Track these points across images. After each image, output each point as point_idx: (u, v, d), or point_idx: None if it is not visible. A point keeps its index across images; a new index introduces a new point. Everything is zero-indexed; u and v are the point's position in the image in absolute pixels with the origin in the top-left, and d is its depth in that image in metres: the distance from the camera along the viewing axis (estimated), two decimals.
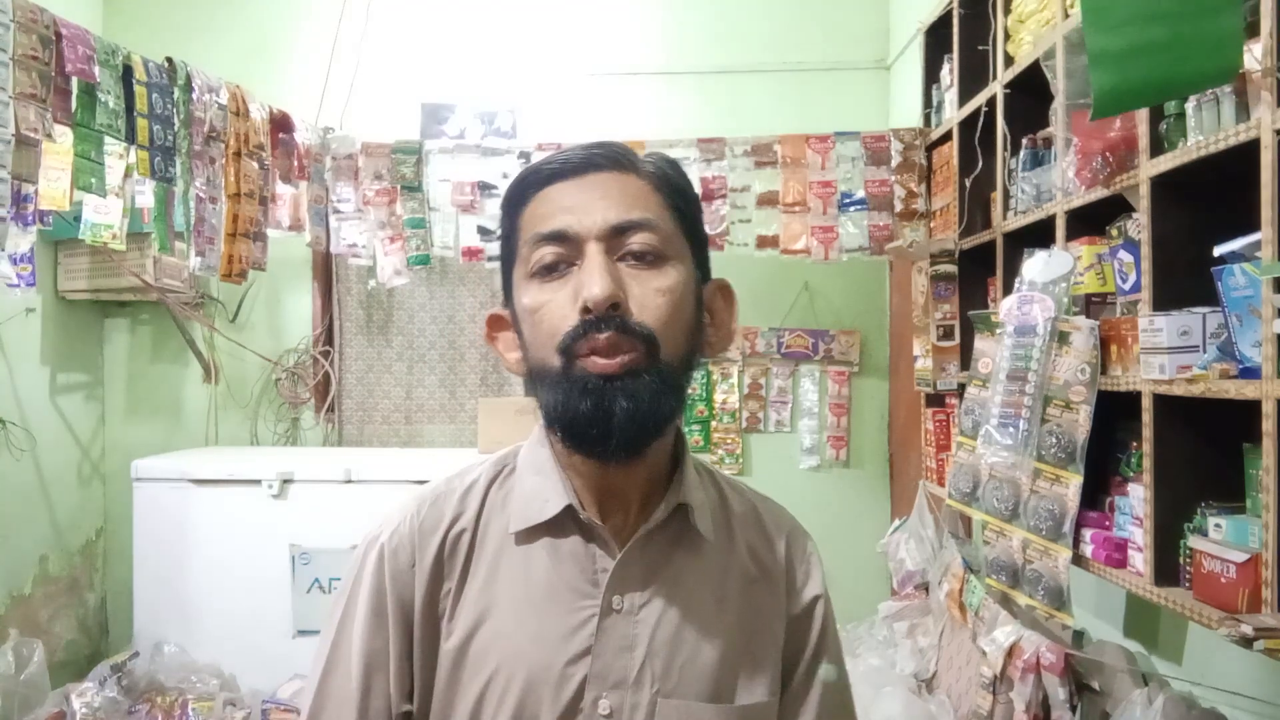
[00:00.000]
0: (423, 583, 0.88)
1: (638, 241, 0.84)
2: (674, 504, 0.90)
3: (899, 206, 3.23)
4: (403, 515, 0.92)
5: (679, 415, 0.88)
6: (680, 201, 0.89)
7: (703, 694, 0.87)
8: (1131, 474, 1.82)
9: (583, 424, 0.81)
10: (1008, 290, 2.20)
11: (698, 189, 3.22)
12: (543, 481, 0.90)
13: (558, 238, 0.84)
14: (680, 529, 0.91)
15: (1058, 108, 2.04)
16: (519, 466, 0.94)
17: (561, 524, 0.89)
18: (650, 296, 0.83)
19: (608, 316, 0.80)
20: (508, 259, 0.91)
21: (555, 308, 0.83)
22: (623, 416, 0.80)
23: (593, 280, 0.81)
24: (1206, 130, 1.54)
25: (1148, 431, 1.67)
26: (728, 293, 0.95)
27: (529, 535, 0.89)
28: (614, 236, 0.83)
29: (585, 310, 0.80)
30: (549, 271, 0.84)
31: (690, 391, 0.91)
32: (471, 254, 3.45)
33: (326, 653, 0.90)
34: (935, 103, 3.11)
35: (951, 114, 2.83)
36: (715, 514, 0.95)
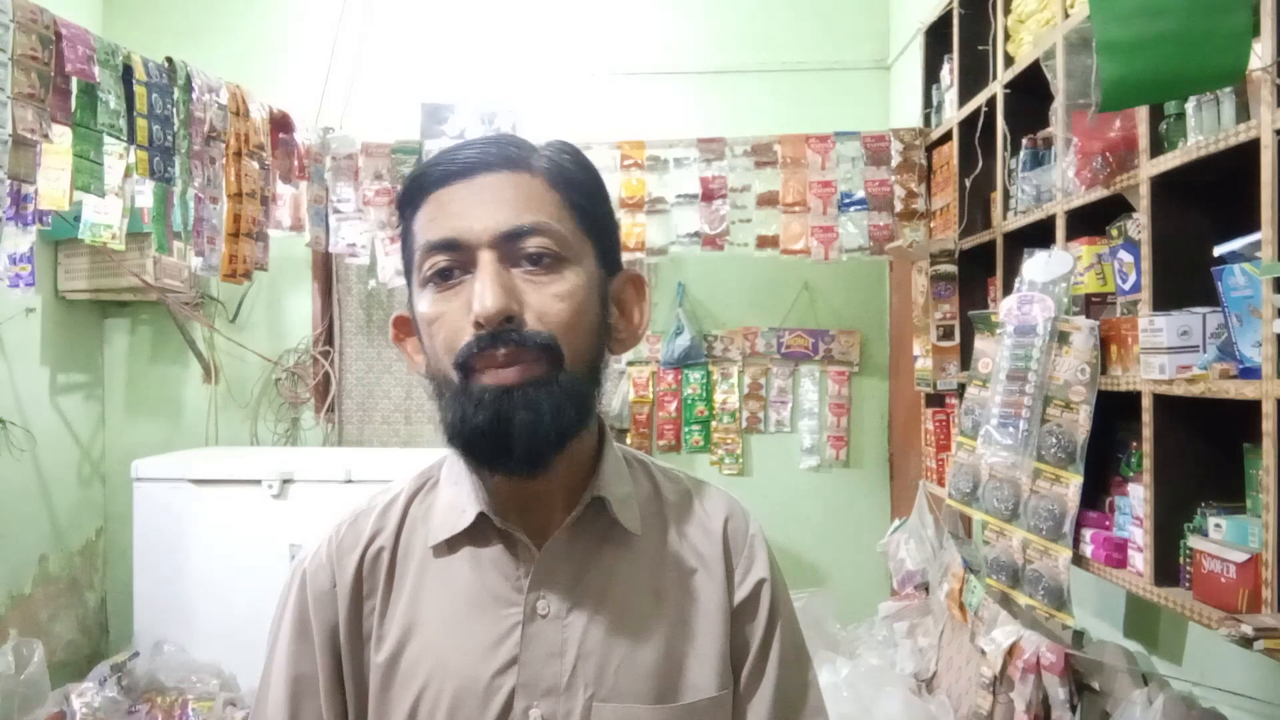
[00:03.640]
0: (344, 603, 0.87)
1: (533, 245, 0.80)
2: (589, 499, 0.87)
3: (899, 206, 3.23)
4: (323, 538, 0.90)
5: (584, 424, 0.85)
6: (579, 197, 0.85)
7: (643, 695, 0.84)
8: (1131, 474, 1.82)
9: (479, 439, 0.78)
10: (1008, 290, 2.20)
11: (697, 189, 3.24)
12: (459, 491, 0.88)
13: (449, 246, 0.81)
14: (607, 525, 0.88)
15: (1058, 108, 2.04)
16: (441, 479, 0.92)
17: (482, 532, 0.87)
18: (549, 304, 0.80)
19: (502, 330, 0.77)
20: (407, 262, 0.87)
21: (450, 319, 0.80)
22: (521, 429, 0.77)
23: (484, 293, 0.77)
24: (1206, 130, 1.54)
25: (1148, 431, 1.67)
26: (638, 284, 0.91)
27: (450, 546, 0.87)
28: (507, 242, 0.80)
29: (478, 324, 0.78)
30: (443, 279, 0.81)
31: (599, 395, 0.87)
32: None
33: (260, 683, 0.90)
34: (935, 103, 3.11)
35: (951, 114, 2.83)
36: (647, 506, 0.92)
